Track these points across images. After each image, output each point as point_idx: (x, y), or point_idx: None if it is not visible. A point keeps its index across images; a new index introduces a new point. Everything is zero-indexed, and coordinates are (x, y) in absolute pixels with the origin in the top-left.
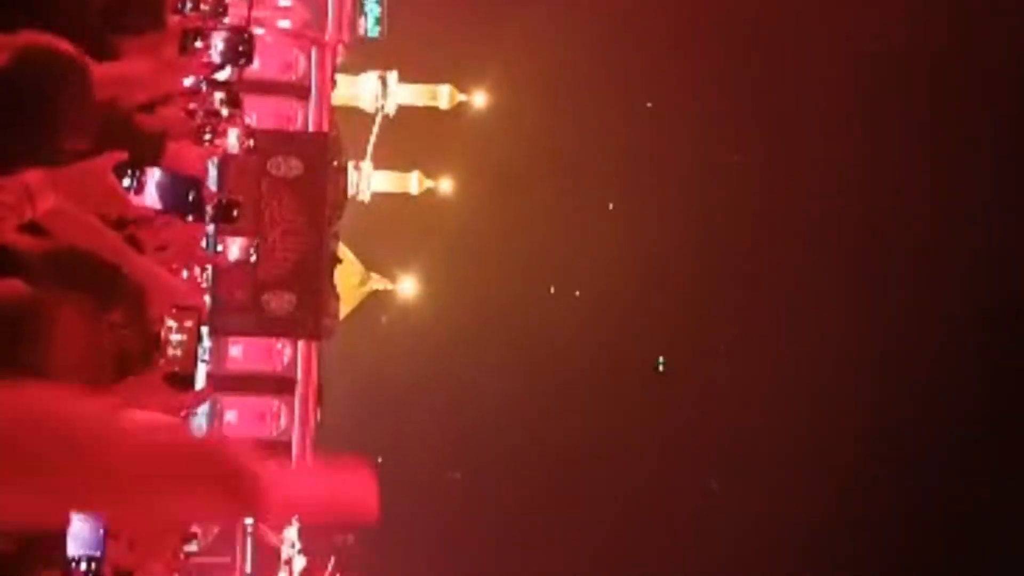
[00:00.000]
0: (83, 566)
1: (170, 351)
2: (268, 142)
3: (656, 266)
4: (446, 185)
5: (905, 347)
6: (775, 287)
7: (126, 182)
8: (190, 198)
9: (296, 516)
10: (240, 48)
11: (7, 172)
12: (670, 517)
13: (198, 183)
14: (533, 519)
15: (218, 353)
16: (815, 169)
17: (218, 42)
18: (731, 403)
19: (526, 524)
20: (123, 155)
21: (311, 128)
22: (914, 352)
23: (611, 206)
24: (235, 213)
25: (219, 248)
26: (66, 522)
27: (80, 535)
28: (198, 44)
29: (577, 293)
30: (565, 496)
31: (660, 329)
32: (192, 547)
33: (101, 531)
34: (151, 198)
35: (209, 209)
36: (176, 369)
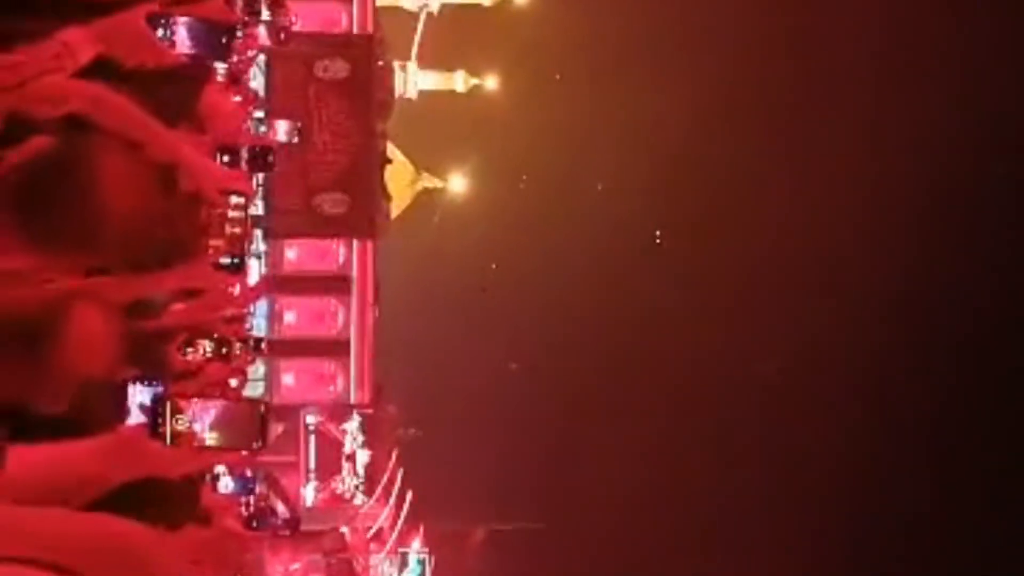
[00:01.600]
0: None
1: (219, 236)
2: (313, 45)
3: (700, 155)
4: (491, 82)
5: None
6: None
7: (159, 32)
8: (223, 41)
9: None
10: None
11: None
12: (725, 414)
13: (231, 27)
14: (589, 410)
15: (274, 256)
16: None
17: None
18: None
19: (583, 414)
20: (154, 6)
21: (356, 30)
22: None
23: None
24: (270, 159)
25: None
26: None
27: None
28: None
29: (600, 187)
30: (621, 386)
31: (708, 219)
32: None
33: None
34: (184, 44)
35: (244, 155)
36: (226, 254)
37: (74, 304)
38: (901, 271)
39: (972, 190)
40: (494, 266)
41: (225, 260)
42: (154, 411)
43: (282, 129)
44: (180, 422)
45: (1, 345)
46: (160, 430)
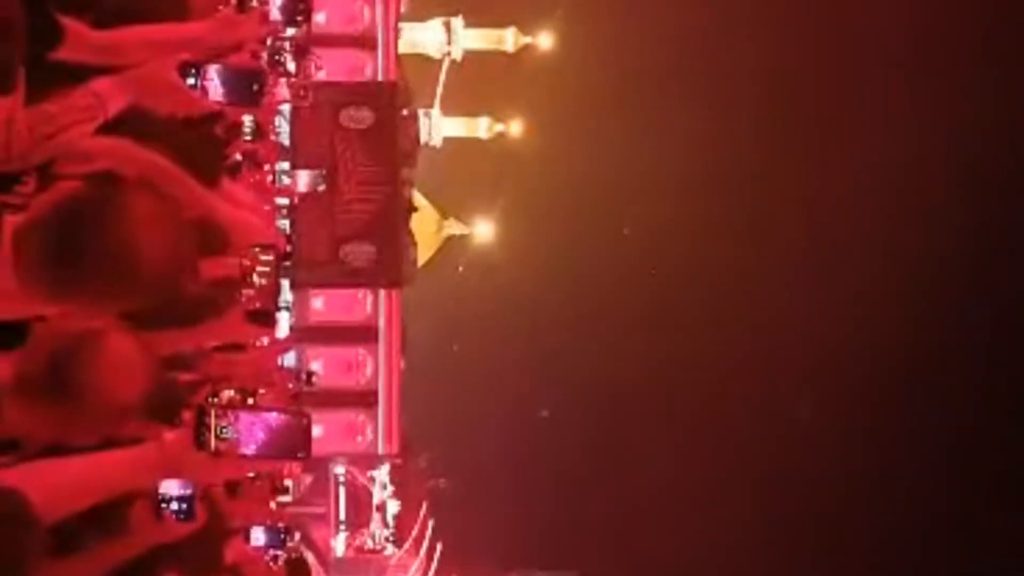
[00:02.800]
0: (174, 505)
1: (250, 288)
2: (338, 94)
3: (727, 204)
4: (516, 128)
5: None
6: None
7: (191, 80)
8: (253, 88)
9: None
10: (298, 7)
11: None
12: (759, 455)
13: (261, 74)
14: (622, 456)
15: (301, 307)
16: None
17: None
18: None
19: (616, 460)
20: (184, 56)
21: (380, 78)
22: None
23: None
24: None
25: (287, 180)
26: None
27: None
28: (255, 3)
29: (626, 231)
30: (654, 430)
31: (735, 262)
32: (286, 498)
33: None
34: (216, 92)
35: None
36: (257, 305)
37: (106, 334)
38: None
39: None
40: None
41: (256, 311)
42: (197, 420)
43: (305, 179)
44: (224, 432)
45: (32, 380)
46: (203, 439)
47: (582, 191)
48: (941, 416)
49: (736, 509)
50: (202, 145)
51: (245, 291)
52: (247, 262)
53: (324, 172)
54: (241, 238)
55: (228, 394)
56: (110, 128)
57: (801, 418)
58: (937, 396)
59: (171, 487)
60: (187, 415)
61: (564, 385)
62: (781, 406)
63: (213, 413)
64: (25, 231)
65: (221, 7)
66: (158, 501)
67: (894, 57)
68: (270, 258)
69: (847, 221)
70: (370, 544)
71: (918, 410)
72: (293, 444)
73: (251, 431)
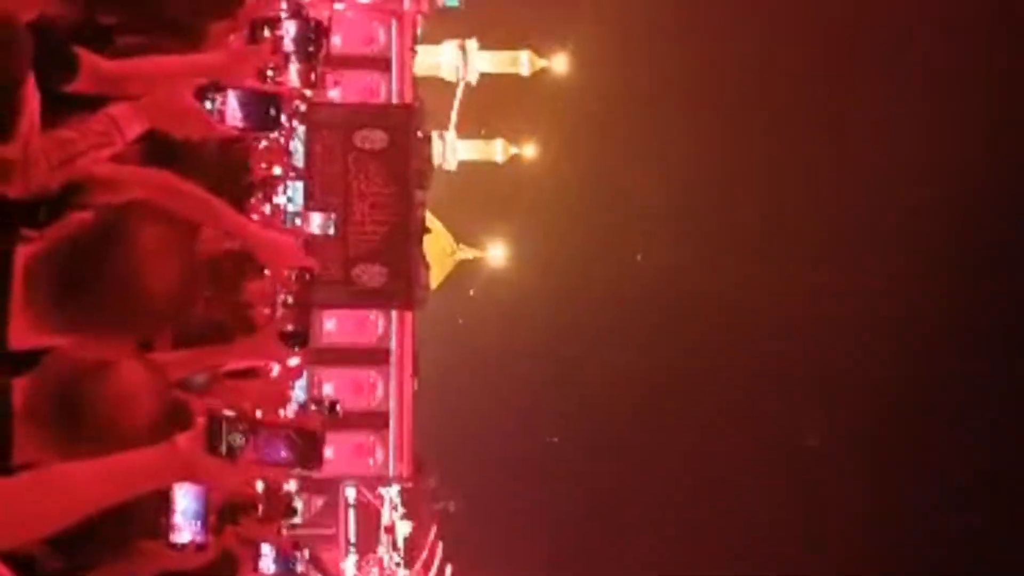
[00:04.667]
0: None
1: (284, 309)
2: (353, 115)
3: (745, 226)
4: (530, 151)
5: None
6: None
7: (208, 104)
8: (271, 113)
9: None
10: (311, 38)
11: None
12: (771, 482)
13: (278, 98)
14: (633, 482)
15: (313, 327)
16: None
17: (290, 29)
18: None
19: (626, 486)
20: (202, 80)
21: (394, 100)
22: None
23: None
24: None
25: (299, 222)
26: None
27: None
28: (267, 33)
29: (639, 257)
30: (664, 456)
31: (751, 287)
32: (295, 519)
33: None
34: (233, 117)
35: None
36: (290, 327)
37: (115, 363)
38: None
39: None
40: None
41: (290, 332)
42: (210, 427)
43: (317, 221)
44: (235, 438)
45: (41, 408)
46: (215, 445)
47: (595, 214)
48: (952, 442)
49: (745, 532)
50: (224, 169)
51: (280, 312)
52: (283, 283)
53: (336, 215)
54: (278, 260)
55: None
56: (132, 155)
57: (810, 443)
58: (949, 421)
59: (184, 501)
60: (200, 421)
61: (575, 408)
62: (791, 428)
63: (225, 420)
64: (35, 262)
65: (233, 37)
66: (169, 516)
67: (905, 73)
68: (305, 279)
69: (859, 242)
70: (380, 566)
71: (930, 436)
72: (305, 454)
73: (263, 438)
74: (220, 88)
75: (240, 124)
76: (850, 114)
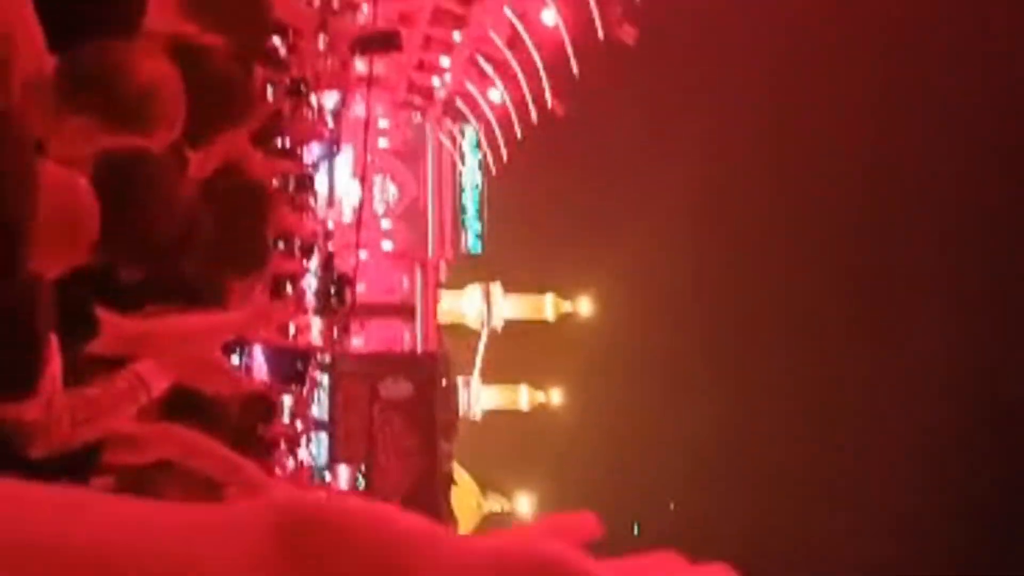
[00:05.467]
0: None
1: None
2: (377, 364)
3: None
4: (556, 396)
5: None
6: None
7: (235, 359)
8: (297, 367)
9: None
10: (333, 292)
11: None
12: None
13: (304, 352)
14: None
15: None
16: None
17: (312, 283)
18: None
19: None
20: (233, 326)
21: (419, 347)
22: None
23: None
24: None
25: (328, 476)
26: None
27: None
28: (289, 289)
29: (672, 506)
30: None
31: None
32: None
33: None
34: (259, 371)
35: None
36: None
37: None
38: None
39: None
40: None
41: None
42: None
43: (344, 475)
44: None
45: None
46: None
47: (626, 461)
48: None
49: None
50: (248, 425)
51: None
52: None
53: (363, 469)
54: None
55: None
56: (154, 410)
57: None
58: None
59: None
60: None
61: None
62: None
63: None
64: None
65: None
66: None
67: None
68: None
69: (872, 499)
70: None
71: None
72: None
73: None
74: (246, 342)
75: (266, 379)
76: (871, 368)
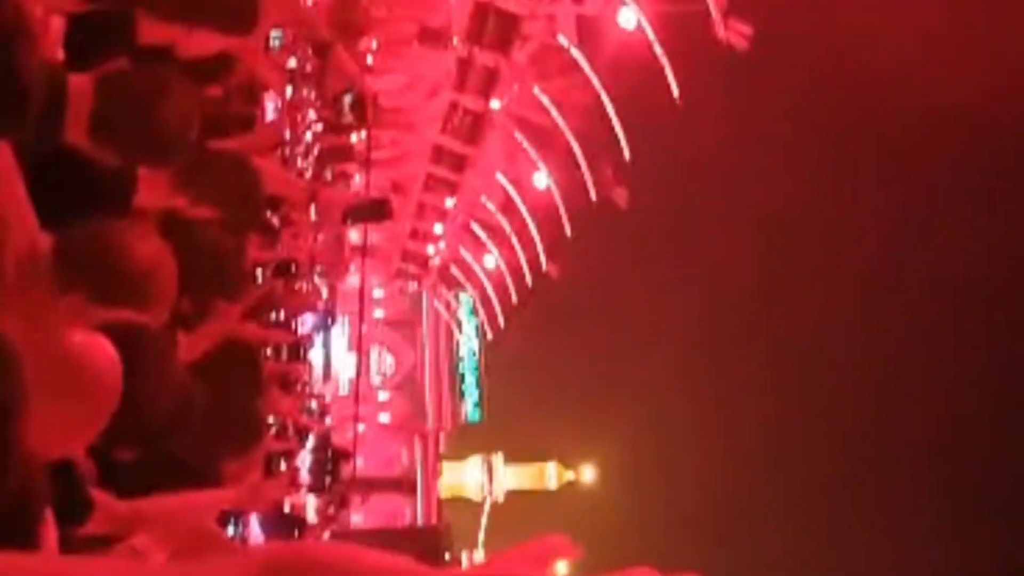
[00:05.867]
0: None
1: None
2: (378, 540)
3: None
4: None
5: None
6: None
7: (231, 529)
8: (295, 533)
9: None
10: (328, 469)
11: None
12: None
13: (300, 521)
14: None
15: None
16: None
17: (305, 460)
18: None
19: None
20: (225, 504)
21: (420, 522)
22: None
23: None
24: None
25: None
26: None
27: None
28: (283, 466)
29: None
30: None
31: None
32: None
33: None
34: (255, 538)
35: None
36: None
37: None
38: None
39: None
40: None
41: None
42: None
43: None
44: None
45: None
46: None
47: None
48: None
49: None
50: None
51: None
52: None
53: None
54: None
55: None
56: None
57: None
58: None
59: None
60: None
61: None
62: None
63: None
64: None
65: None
66: None
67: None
68: None
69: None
70: None
71: None
72: None
73: None
74: (242, 512)
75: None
76: (867, 550)
